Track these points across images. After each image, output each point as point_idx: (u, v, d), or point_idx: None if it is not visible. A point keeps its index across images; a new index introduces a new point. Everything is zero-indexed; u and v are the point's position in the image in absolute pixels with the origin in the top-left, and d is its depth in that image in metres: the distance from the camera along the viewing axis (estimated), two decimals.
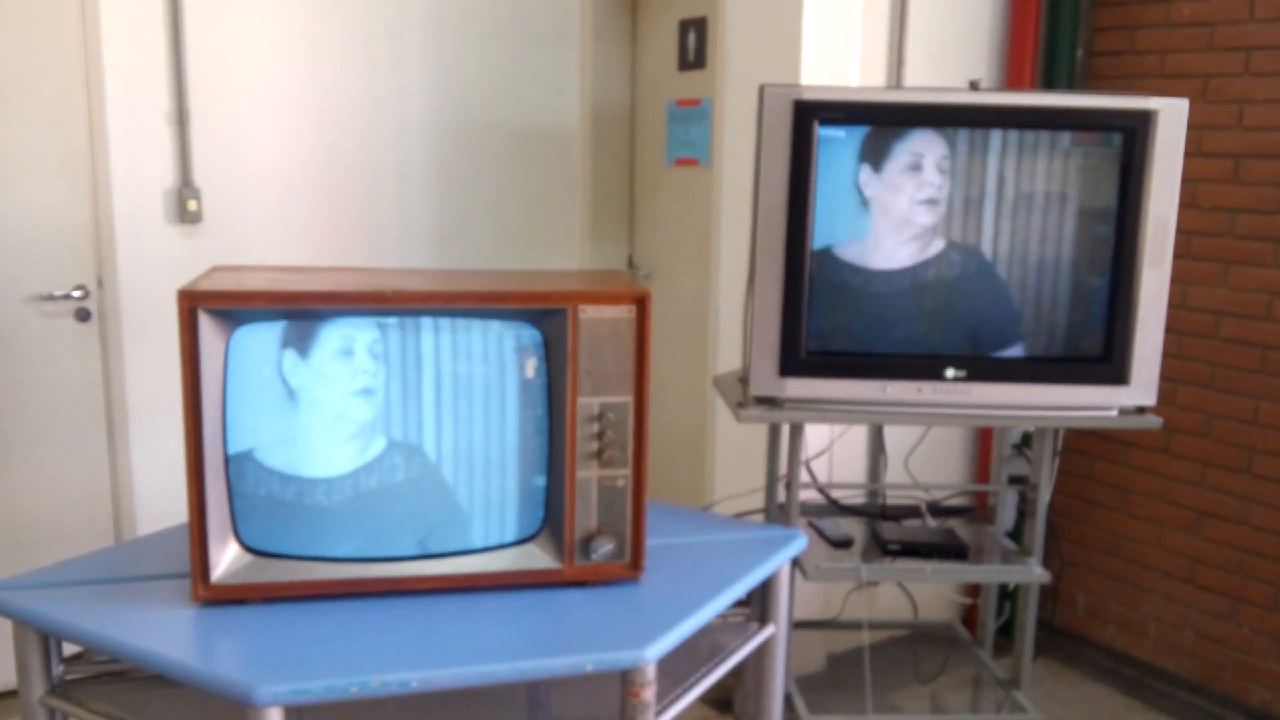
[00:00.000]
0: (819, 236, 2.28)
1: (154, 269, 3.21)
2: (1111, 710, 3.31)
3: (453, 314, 1.54)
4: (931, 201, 2.27)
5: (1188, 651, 3.31)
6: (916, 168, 2.25)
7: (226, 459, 1.51)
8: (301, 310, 1.50)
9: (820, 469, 3.21)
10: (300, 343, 1.51)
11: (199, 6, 3.17)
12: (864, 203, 2.27)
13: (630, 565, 1.66)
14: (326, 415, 1.53)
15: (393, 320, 1.53)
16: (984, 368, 2.32)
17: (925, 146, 2.25)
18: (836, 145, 2.25)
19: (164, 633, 1.44)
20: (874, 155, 2.25)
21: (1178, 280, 3.24)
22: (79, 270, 3.12)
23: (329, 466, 1.54)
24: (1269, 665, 3.10)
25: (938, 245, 2.29)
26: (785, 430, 2.63)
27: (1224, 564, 3.19)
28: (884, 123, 2.24)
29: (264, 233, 3.37)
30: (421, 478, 1.58)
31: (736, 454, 3.38)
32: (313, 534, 1.55)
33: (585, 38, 3.88)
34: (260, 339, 1.50)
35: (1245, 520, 3.13)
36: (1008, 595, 3.48)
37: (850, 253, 2.30)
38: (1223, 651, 3.21)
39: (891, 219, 2.28)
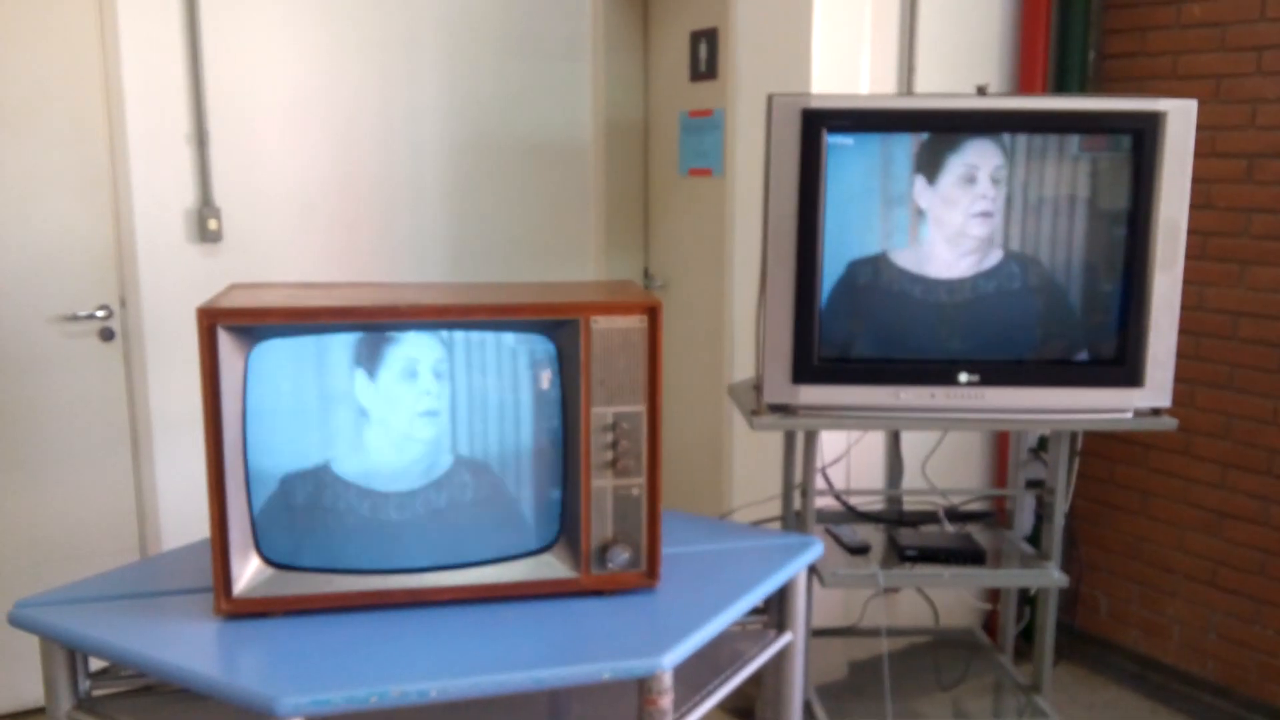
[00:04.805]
0: (830, 243, 2.29)
1: (176, 288, 3.25)
2: (1135, 715, 3.29)
3: (466, 326, 1.57)
4: (986, 214, 2.27)
5: (1211, 654, 3.29)
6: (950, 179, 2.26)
7: (247, 473, 1.53)
8: (361, 325, 1.52)
9: (838, 476, 3.21)
10: (369, 360, 1.53)
11: (217, 28, 3.22)
12: (899, 212, 2.28)
13: (646, 574, 1.67)
14: (394, 435, 1.55)
15: (417, 334, 1.55)
16: (997, 372, 2.32)
17: (980, 158, 2.26)
18: (847, 153, 2.26)
19: (188, 646, 1.47)
20: (925, 166, 2.26)
21: (1194, 281, 3.23)
22: (102, 290, 3.17)
23: (396, 481, 1.57)
24: None
25: (963, 254, 2.30)
26: (800, 437, 2.64)
27: (1246, 566, 3.17)
28: (892, 129, 2.25)
29: (283, 250, 3.41)
30: (439, 490, 1.59)
31: (753, 462, 3.39)
32: (335, 546, 1.57)
33: (597, 50, 3.91)
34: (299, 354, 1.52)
35: (1266, 521, 3.11)
36: (1028, 600, 3.47)
37: (865, 261, 2.31)
38: (1247, 654, 3.19)
39: (942, 230, 2.29)
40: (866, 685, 3.40)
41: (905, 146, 2.26)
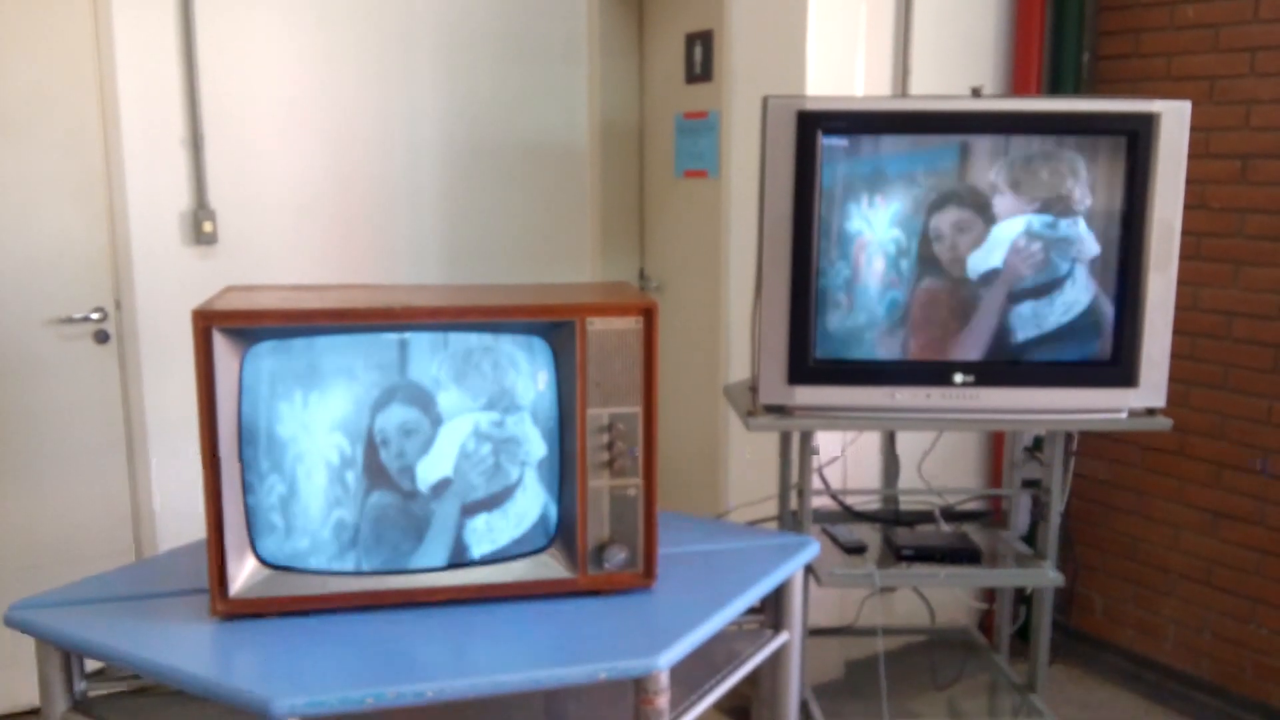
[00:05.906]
0: (825, 245, 2.29)
1: (171, 290, 3.24)
2: (1130, 714, 3.29)
3: (462, 328, 1.57)
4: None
5: (1207, 653, 3.29)
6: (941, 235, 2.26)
7: (242, 474, 1.53)
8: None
9: (834, 475, 3.21)
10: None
11: (212, 32, 3.22)
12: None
13: (643, 574, 1.67)
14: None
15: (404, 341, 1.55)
16: (992, 372, 2.33)
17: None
18: (841, 154, 2.27)
19: (183, 648, 1.46)
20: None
21: (1189, 282, 3.24)
22: (97, 293, 3.17)
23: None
24: None
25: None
26: (796, 438, 2.64)
27: (1241, 565, 3.18)
28: (887, 131, 2.25)
29: (278, 253, 3.40)
30: (436, 491, 1.59)
31: (750, 462, 3.39)
32: (331, 547, 1.57)
33: (593, 53, 3.91)
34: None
35: (1261, 521, 3.12)
36: (1024, 600, 3.48)
37: (860, 264, 2.31)
38: (1242, 653, 3.20)
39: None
40: (863, 684, 3.40)
41: (899, 151, 2.26)
